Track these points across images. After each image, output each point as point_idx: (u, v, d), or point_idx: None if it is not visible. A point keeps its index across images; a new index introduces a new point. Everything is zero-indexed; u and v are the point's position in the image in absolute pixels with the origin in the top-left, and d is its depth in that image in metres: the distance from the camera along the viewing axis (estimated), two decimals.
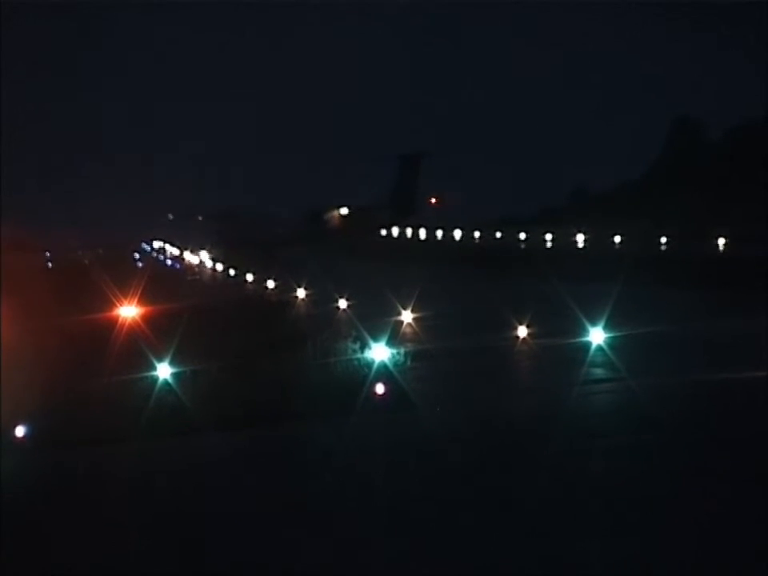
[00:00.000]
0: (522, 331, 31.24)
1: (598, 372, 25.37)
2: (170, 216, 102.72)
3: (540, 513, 14.47)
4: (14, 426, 19.95)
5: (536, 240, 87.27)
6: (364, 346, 26.74)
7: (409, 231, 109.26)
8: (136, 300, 35.95)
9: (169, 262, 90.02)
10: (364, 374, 24.33)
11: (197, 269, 79.43)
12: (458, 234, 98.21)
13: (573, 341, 28.87)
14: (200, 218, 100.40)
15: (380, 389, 22.87)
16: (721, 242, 68.49)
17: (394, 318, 35.10)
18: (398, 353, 26.94)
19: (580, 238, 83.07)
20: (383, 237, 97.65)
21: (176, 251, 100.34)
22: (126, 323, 32.49)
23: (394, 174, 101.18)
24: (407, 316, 35.80)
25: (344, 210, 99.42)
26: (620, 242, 77.06)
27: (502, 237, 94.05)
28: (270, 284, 52.44)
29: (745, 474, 15.82)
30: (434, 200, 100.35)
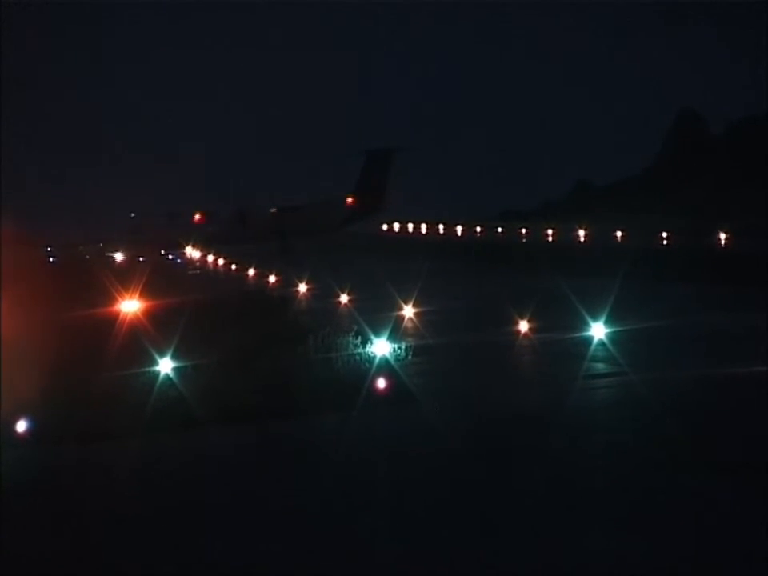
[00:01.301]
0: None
1: (599, 366, 25.38)
2: (132, 215, 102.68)
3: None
4: (15, 421, 19.92)
5: (537, 234, 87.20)
6: None
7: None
8: (137, 294, 35.94)
9: (170, 256, 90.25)
10: None
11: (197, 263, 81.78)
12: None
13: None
14: (156, 218, 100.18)
15: None
16: (723, 236, 68.46)
17: None
18: None
19: (581, 232, 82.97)
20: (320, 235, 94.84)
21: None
22: (128, 317, 32.49)
23: (364, 169, 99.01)
24: None
25: (272, 209, 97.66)
26: (622, 236, 77.02)
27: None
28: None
29: None
30: (349, 200, 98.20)
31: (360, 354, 25.82)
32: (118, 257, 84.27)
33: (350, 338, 27.29)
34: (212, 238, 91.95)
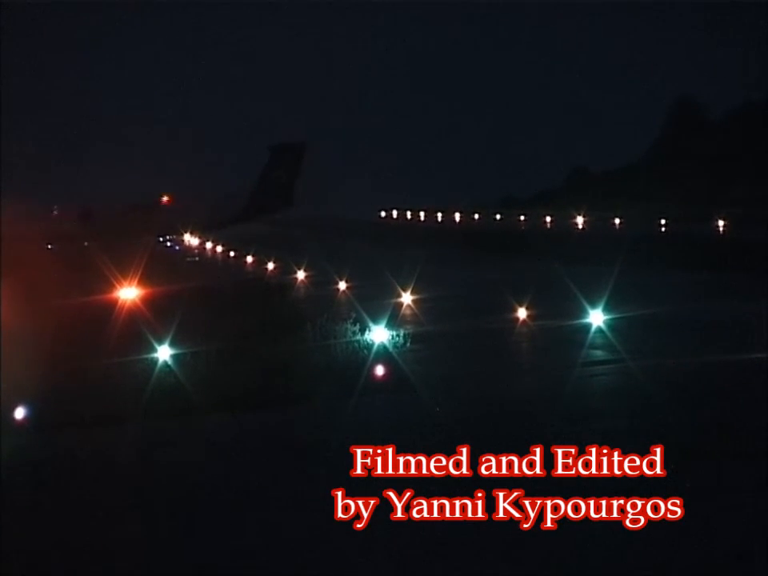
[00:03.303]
0: None
1: (597, 354, 25.41)
2: (55, 210, 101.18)
3: None
4: (14, 408, 19.93)
5: (535, 222, 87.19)
6: None
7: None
8: (136, 280, 35.95)
9: (168, 243, 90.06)
10: None
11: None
12: None
13: None
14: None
15: None
16: (721, 223, 68.44)
17: None
18: None
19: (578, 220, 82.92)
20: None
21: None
22: (126, 304, 32.51)
23: (268, 164, 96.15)
24: None
25: (122, 207, 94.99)
26: (620, 223, 77.00)
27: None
28: None
29: None
30: (165, 198, 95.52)
31: (358, 340, 25.85)
32: None
33: (348, 325, 27.32)
34: (59, 235, 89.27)
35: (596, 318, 28.30)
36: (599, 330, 27.63)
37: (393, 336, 26.77)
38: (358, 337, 26.26)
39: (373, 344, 25.35)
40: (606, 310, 28.85)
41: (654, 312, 31.16)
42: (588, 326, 27.97)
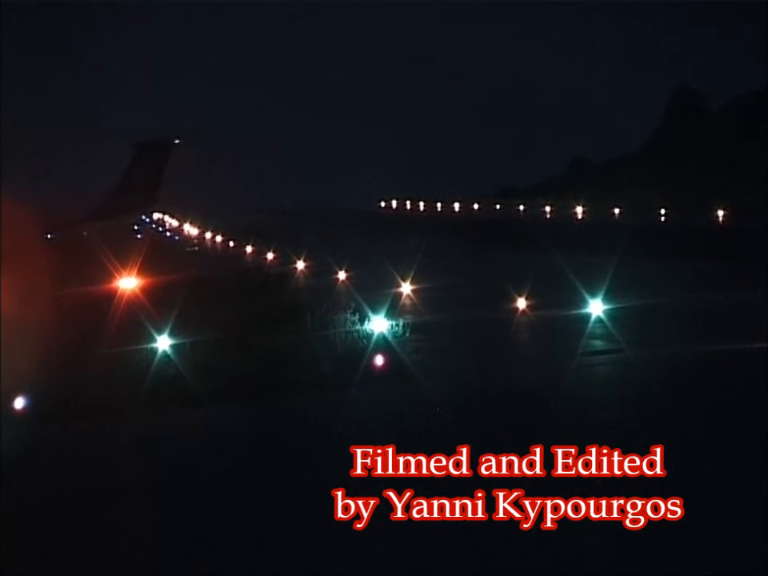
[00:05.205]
0: None
1: (594, 343, 25.38)
2: None
3: None
4: (14, 398, 19.89)
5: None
6: None
7: None
8: (135, 270, 35.85)
9: (168, 234, 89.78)
10: None
11: None
12: None
13: None
14: None
15: None
16: (720, 213, 68.42)
17: None
18: None
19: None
20: None
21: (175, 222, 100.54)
22: (126, 294, 32.43)
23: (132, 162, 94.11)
24: None
25: None
26: (619, 213, 76.92)
27: None
28: None
29: None
30: None
31: (358, 330, 25.79)
32: None
33: (348, 315, 27.23)
34: None
35: (595, 307, 28.27)
36: (599, 320, 27.61)
37: (392, 326, 26.73)
38: (358, 327, 26.19)
39: (372, 334, 25.30)
40: (605, 299, 28.83)
41: (652, 302, 31.18)
42: (587, 316, 27.95)
